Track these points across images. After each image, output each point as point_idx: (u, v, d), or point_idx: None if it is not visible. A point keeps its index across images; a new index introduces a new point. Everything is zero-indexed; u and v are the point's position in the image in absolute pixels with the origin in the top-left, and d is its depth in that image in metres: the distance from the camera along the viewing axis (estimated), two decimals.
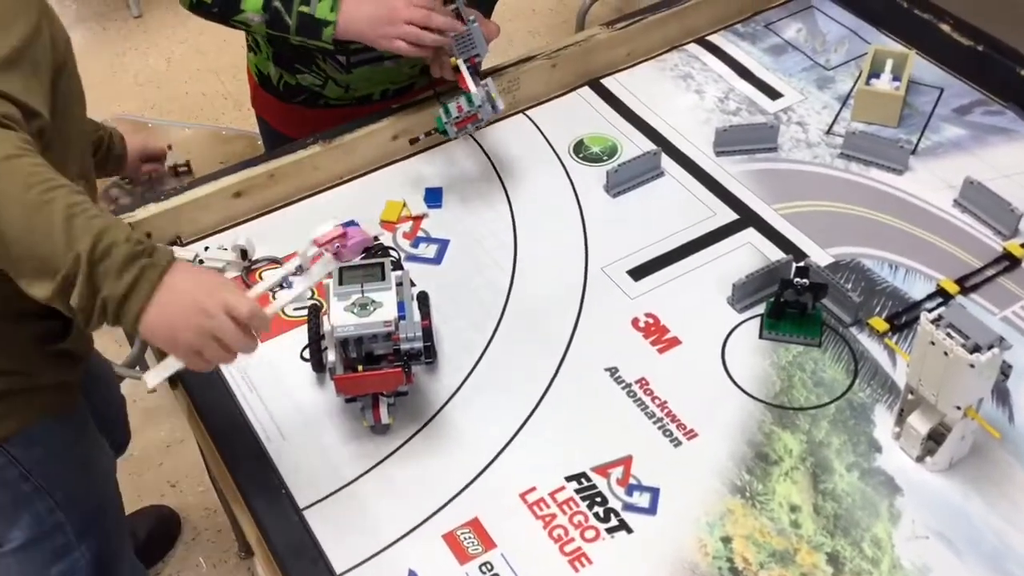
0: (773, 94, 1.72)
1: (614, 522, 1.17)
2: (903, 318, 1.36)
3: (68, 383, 1.38)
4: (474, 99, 1.45)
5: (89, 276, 0.96)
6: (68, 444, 1.39)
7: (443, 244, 1.49)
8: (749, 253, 1.45)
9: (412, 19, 1.42)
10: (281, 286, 1.19)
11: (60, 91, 1.15)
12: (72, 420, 1.41)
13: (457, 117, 1.46)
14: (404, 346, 1.20)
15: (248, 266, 1.27)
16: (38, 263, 0.96)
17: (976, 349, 1.09)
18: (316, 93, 1.65)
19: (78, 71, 1.24)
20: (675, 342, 1.35)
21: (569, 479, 1.21)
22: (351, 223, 1.11)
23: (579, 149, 1.63)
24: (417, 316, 1.26)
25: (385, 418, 1.24)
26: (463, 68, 1.47)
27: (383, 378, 1.19)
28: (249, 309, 1.01)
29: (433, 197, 1.55)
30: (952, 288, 1.39)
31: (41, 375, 1.31)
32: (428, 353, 1.26)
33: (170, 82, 3.27)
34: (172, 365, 1.06)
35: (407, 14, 1.42)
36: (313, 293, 1.40)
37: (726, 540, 1.15)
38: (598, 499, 1.19)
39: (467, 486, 1.21)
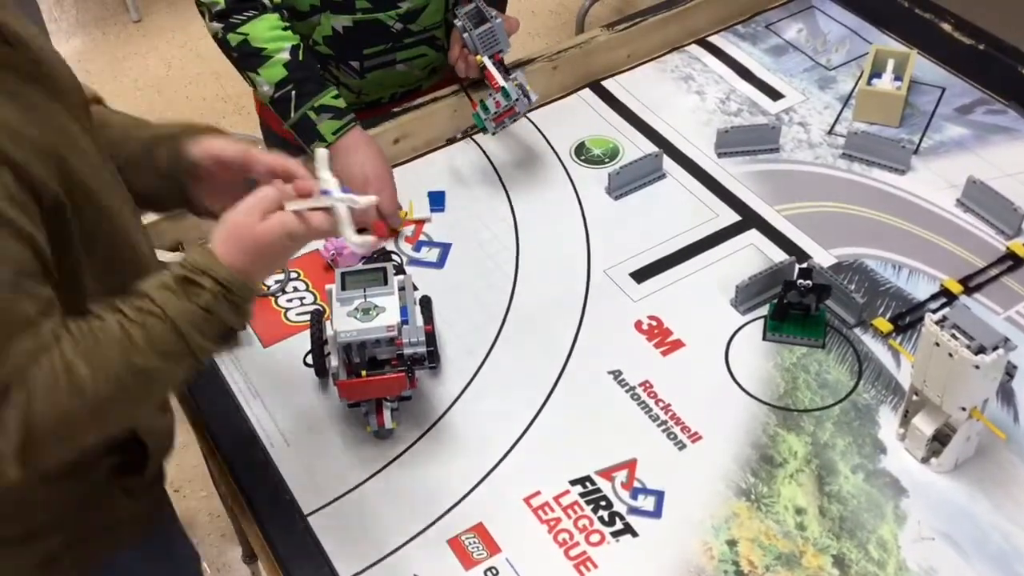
0: (774, 95, 1.71)
1: (619, 526, 1.16)
2: (907, 319, 1.36)
3: (147, 513, 1.22)
4: (511, 93, 1.47)
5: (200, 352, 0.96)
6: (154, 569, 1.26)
7: (445, 248, 1.49)
8: (752, 255, 1.45)
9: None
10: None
11: (71, 168, 0.95)
12: (154, 542, 1.24)
13: (496, 112, 1.49)
14: (407, 351, 1.19)
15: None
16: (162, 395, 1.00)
17: (981, 350, 1.09)
18: None
19: (87, 116, 1.05)
20: (678, 344, 1.35)
21: (574, 483, 1.20)
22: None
23: (580, 151, 1.63)
24: (420, 320, 1.25)
25: (389, 423, 1.23)
26: (489, 65, 1.50)
27: (386, 383, 1.19)
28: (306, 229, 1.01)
29: (436, 201, 1.55)
30: (956, 288, 1.39)
31: (116, 510, 1.15)
32: (431, 358, 1.26)
33: (170, 86, 3.28)
34: None
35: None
36: (316, 297, 1.40)
37: (732, 543, 1.14)
38: (603, 503, 1.18)
39: (471, 491, 1.20)
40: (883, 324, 1.35)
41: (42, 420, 0.87)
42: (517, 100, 1.48)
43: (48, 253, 0.91)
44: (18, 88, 0.93)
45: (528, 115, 1.67)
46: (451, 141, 1.57)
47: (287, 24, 1.45)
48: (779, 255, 1.44)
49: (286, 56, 1.43)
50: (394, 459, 1.24)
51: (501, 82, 1.48)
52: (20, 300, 0.87)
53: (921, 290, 1.40)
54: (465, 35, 1.51)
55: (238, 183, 1.10)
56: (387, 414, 1.23)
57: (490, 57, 1.50)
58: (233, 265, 0.97)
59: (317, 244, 1.43)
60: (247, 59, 1.45)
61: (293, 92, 1.43)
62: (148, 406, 1.01)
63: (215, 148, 1.11)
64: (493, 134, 1.52)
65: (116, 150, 1.09)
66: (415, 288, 1.32)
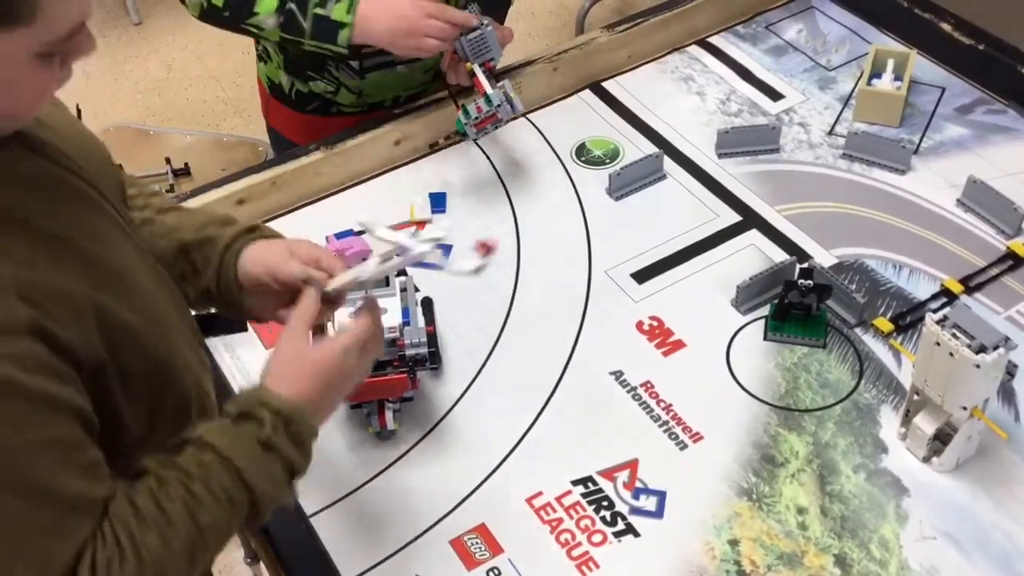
0: (775, 95, 1.72)
1: (621, 526, 1.17)
2: (908, 318, 1.36)
3: None
4: (493, 99, 1.47)
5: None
6: None
7: (447, 249, 1.48)
8: (752, 255, 1.45)
9: (430, 28, 1.42)
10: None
11: (110, 313, 0.87)
12: None
13: (477, 118, 1.48)
14: (409, 352, 1.20)
15: None
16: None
17: (982, 349, 1.09)
18: (329, 100, 1.65)
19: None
20: (680, 345, 1.35)
21: (575, 483, 1.20)
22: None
23: (581, 152, 1.63)
24: (421, 322, 1.25)
25: (391, 424, 1.24)
26: (478, 72, 1.48)
27: (389, 384, 1.19)
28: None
29: (437, 202, 1.55)
30: (956, 288, 1.39)
31: None
32: (433, 359, 1.26)
33: (171, 89, 3.28)
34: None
35: (425, 25, 1.42)
36: None
37: (733, 543, 1.14)
38: (605, 503, 1.18)
39: (473, 491, 1.20)
40: (884, 324, 1.35)
41: None
42: (499, 106, 1.47)
43: (94, 417, 0.85)
44: (43, 205, 0.87)
45: (528, 116, 1.68)
46: (433, 147, 1.55)
47: None
48: (780, 255, 1.44)
49: None
50: (396, 460, 1.24)
51: (488, 89, 1.47)
52: (73, 479, 0.82)
53: (922, 290, 1.40)
54: (456, 42, 1.50)
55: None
56: (389, 415, 1.24)
57: (480, 65, 1.49)
58: (291, 396, 0.93)
59: (321, 244, 1.43)
60: (238, 8, 1.44)
61: (293, 5, 1.43)
62: (214, 555, 0.94)
63: (273, 266, 1.05)
64: (475, 140, 1.52)
65: (160, 257, 1.05)
66: (416, 289, 1.32)
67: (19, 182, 0.86)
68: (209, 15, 1.46)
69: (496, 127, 1.50)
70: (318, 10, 1.43)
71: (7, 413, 0.78)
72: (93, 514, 0.83)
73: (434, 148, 1.55)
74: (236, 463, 0.89)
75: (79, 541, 0.81)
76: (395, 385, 1.19)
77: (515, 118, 1.54)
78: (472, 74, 1.49)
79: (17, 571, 0.79)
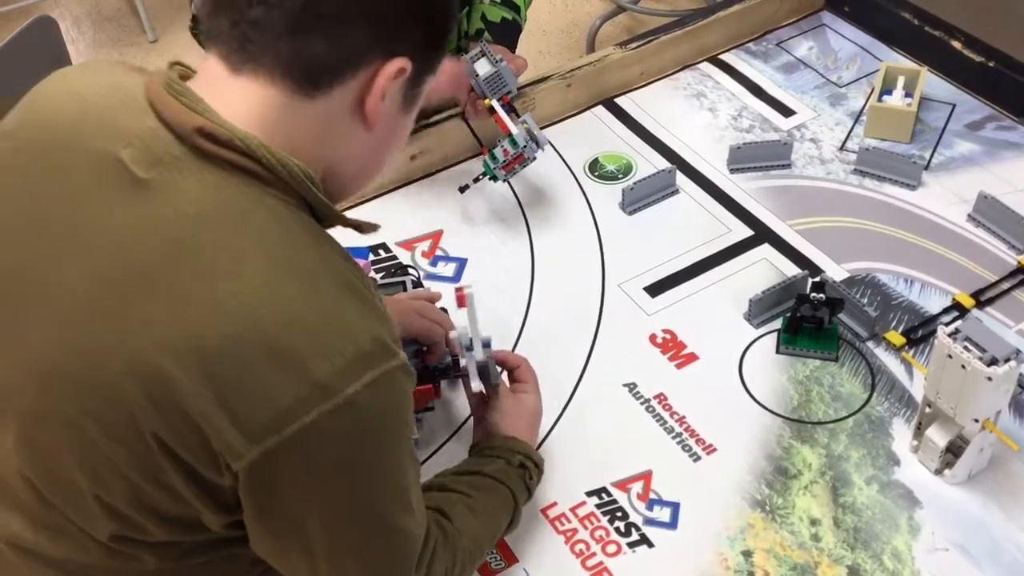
0: (786, 111, 1.73)
1: (635, 536, 1.17)
2: (919, 332, 1.37)
3: None
4: (518, 140, 1.46)
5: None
6: None
7: (461, 262, 1.50)
8: (765, 269, 1.47)
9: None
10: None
11: None
12: None
13: (504, 161, 1.47)
14: (432, 362, 1.21)
15: None
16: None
17: (993, 362, 1.10)
18: None
19: None
20: (692, 358, 1.36)
21: (590, 494, 1.21)
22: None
23: (594, 167, 1.65)
24: None
25: (414, 434, 1.25)
26: (499, 108, 1.48)
27: (416, 396, 1.20)
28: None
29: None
30: (968, 302, 1.40)
31: None
32: (456, 367, 1.27)
33: None
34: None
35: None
36: None
37: (747, 554, 1.15)
38: (619, 514, 1.19)
39: None
40: (896, 337, 1.36)
41: None
42: (526, 147, 1.46)
43: None
44: None
45: (542, 132, 1.69)
46: (463, 190, 1.54)
47: None
48: (792, 269, 1.45)
49: None
50: None
51: (511, 127, 1.47)
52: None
53: (933, 304, 1.41)
54: (472, 81, 1.51)
55: None
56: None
57: (499, 100, 1.49)
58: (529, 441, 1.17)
59: None
60: None
61: None
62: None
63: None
64: (505, 181, 1.51)
65: None
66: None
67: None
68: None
69: (524, 166, 1.50)
70: None
71: (407, 398, 0.88)
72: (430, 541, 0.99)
73: (463, 190, 1.54)
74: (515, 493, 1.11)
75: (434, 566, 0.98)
76: (421, 397, 1.20)
77: (542, 151, 1.51)
78: (492, 110, 1.49)
79: (406, 519, 0.91)
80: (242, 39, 0.82)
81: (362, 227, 0.93)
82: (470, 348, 1.14)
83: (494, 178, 1.50)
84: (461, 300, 1.13)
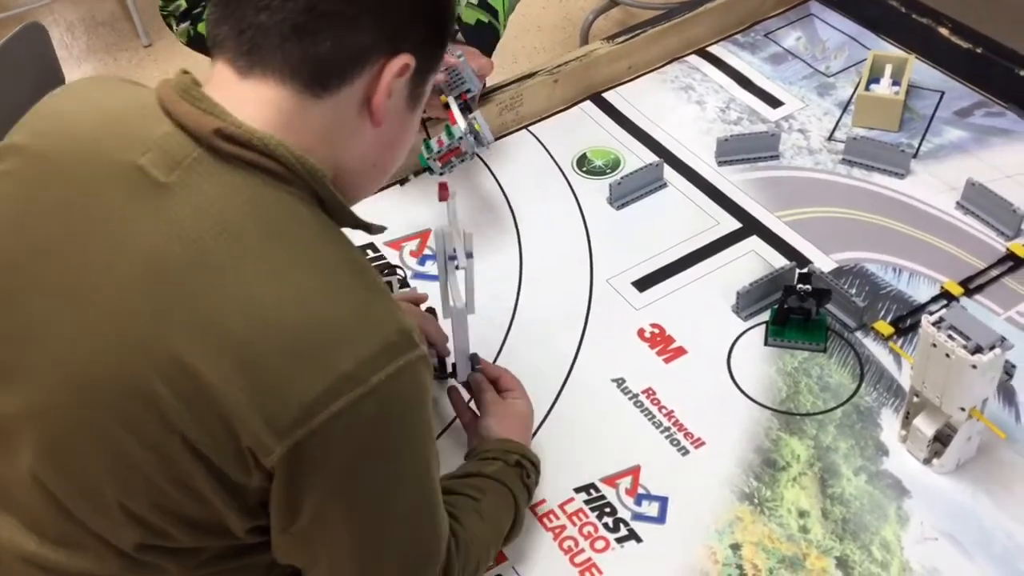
0: (774, 102, 1.73)
1: (624, 532, 1.17)
2: (908, 321, 1.37)
3: None
4: (454, 132, 1.41)
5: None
6: None
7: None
8: (753, 261, 1.46)
9: None
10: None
11: None
12: None
13: (439, 151, 1.42)
14: None
15: None
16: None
17: (978, 350, 1.10)
18: None
19: None
20: (681, 351, 1.36)
21: (578, 490, 1.21)
22: None
23: (582, 162, 1.64)
24: None
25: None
26: (452, 104, 1.44)
27: None
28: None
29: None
30: (956, 290, 1.39)
31: None
32: (441, 368, 1.27)
33: None
34: None
35: None
36: None
37: (735, 547, 1.15)
38: (607, 509, 1.19)
39: None
40: (884, 327, 1.36)
41: None
42: (461, 138, 1.40)
43: None
44: None
45: (530, 127, 1.70)
46: (402, 183, 1.50)
47: None
48: (780, 261, 1.45)
49: None
50: None
51: (459, 121, 1.42)
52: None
53: (922, 292, 1.40)
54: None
55: None
56: None
57: (456, 97, 1.45)
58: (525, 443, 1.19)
59: None
60: None
61: None
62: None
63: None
64: (440, 174, 1.44)
65: None
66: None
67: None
68: (196, 43, 1.48)
69: (462, 160, 1.43)
70: None
71: (428, 389, 0.88)
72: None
73: (403, 183, 1.50)
74: (515, 495, 1.12)
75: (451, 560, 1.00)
76: None
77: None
78: (447, 106, 1.45)
79: (430, 529, 0.95)
80: (249, 44, 0.84)
81: (371, 228, 0.94)
82: (453, 257, 1.15)
83: (429, 170, 1.43)
84: (444, 194, 1.12)
